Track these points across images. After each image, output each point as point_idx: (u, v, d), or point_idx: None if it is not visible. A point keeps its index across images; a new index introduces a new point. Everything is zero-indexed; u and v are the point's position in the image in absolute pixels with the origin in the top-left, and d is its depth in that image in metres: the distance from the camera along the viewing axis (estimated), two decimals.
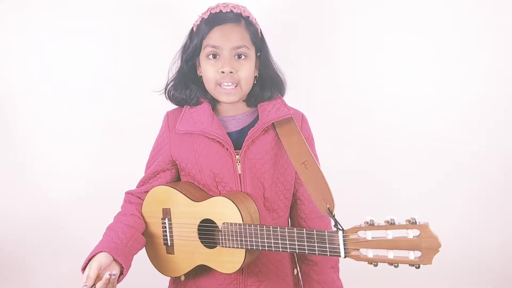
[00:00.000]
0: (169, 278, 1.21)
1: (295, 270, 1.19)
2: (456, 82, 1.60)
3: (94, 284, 0.91)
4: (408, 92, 1.62)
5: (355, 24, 1.61)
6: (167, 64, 1.17)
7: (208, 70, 1.08)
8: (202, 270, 1.10)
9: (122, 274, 1.00)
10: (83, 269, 0.96)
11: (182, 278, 1.14)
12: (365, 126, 1.63)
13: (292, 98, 1.18)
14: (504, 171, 1.62)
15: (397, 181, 1.64)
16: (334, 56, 1.63)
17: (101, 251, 0.97)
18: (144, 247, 1.12)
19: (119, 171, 1.63)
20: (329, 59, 1.62)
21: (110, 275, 0.92)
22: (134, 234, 1.06)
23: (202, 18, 1.11)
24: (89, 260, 0.97)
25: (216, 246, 1.02)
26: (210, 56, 1.08)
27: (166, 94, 1.16)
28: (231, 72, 1.06)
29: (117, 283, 0.99)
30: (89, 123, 1.69)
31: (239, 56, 1.08)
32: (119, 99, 1.68)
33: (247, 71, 1.08)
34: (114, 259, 0.98)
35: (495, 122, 1.61)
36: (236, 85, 1.08)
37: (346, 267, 1.14)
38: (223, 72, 1.06)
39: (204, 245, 1.04)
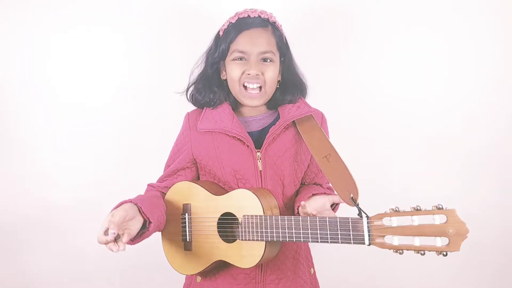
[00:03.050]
0: (183, 283, 1.19)
1: (312, 269, 1.18)
2: (470, 84, 1.61)
3: (117, 234, 0.89)
4: (423, 94, 1.63)
5: (367, 27, 1.64)
6: (180, 67, 1.20)
7: (234, 70, 1.11)
8: (219, 270, 1.09)
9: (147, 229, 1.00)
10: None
11: (198, 279, 1.12)
12: (371, 127, 1.63)
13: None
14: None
15: (404, 180, 1.62)
16: (346, 60, 1.65)
17: (129, 201, 0.99)
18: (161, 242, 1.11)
19: (125, 177, 1.64)
20: (340, 63, 1.65)
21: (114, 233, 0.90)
22: (157, 201, 1.07)
23: (230, 23, 1.14)
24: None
25: (236, 240, 1.00)
26: (237, 59, 1.11)
27: (188, 96, 1.19)
28: (257, 75, 1.09)
29: (146, 237, 0.99)
30: (95, 128, 1.68)
31: (265, 60, 1.11)
32: (125, 105, 1.68)
33: (272, 74, 1.11)
34: (140, 214, 0.98)
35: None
36: (261, 89, 1.11)
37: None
38: (249, 74, 1.09)
39: (223, 239, 1.02)
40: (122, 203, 0.99)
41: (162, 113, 1.62)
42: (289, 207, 1.11)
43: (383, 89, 1.63)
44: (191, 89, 1.19)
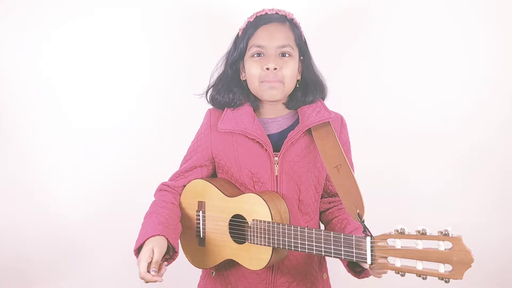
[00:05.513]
0: (201, 272, 1.24)
1: (325, 275, 1.18)
2: (468, 84, 1.60)
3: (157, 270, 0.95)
4: (424, 93, 1.62)
5: (370, 28, 1.63)
6: (203, 67, 1.20)
7: (252, 67, 1.10)
8: (231, 267, 1.12)
9: (171, 258, 1.05)
10: (136, 250, 1.00)
11: (213, 273, 1.16)
12: (373, 126, 1.63)
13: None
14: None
15: (408, 178, 1.64)
16: (349, 61, 1.64)
17: (158, 234, 1.00)
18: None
19: (135, 178, 1.68)
20: (342, 64, 1.63)
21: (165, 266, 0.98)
22: (177, 221, 1.10)
23: (248, 22, 1.14)
24: (143, 241, 1.00)
25: (245, 242, 1.03)
26: (255, 56, 1.11)
27: (208, 98, 1.20)
28: (275, 69, 1.07)
29: (168, 264, 1.03)
30: (99, 128, 1.70)
31: (283, 55, 1.10)
32: (132, 103, 1.69)
33: (291, 69, 1.10)
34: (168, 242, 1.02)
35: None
36: (280, 83, 1.09)
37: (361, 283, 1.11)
38: (267, 69, 1.08)
39: (233, 240, 1.06)
40: (150, 237, 1.00)
41: (177, 115, 1.64)
42: (305, 213, 1.11)
43: (385, 89, 1.63)
44: (210, 91, 1.19)
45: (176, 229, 1.07)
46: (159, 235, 1.01)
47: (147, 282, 0.95)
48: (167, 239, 1.01)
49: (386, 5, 1.61)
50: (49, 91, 1.69)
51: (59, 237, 1.71)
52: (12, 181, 1.71)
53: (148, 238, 1.00)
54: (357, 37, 1.62)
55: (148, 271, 0.94)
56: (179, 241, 1.07)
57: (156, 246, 0.98)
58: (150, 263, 0.95)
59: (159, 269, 0.96)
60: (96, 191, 1.71)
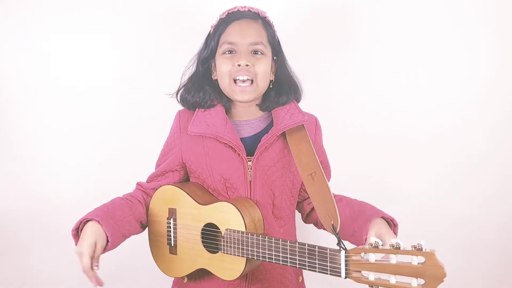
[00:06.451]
0: (173, 278, 1.21)
1: (300, 277, 1.18)
2: (460, 84, 1.60)
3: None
4: (417, 95, 1.62)
5: (360, 29, 1.61)
6: (180, 67, 1.16)
7: (223, 64, 1.07)
8: (204, 274, 1.10)
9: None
10: (74, 230, 1.00)
11: (185, 280, 1.14)
12: (364, 127, 1.64)
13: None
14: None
15: (399, 182, 1.64)
16: (335, 60, 1.63)
17: (92, 219, 0.99)
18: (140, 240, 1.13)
19: (126, 173, 1.60)
20: (334, 65, 1.62)
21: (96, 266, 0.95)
22: (128, 214, 1.07)
23: (220, 19, 1.11)
24: (80, 223, 1.00)
25: (218, 251, 1.01)
26: (227, 53, 1.07)
27: (178, 97, 1.15)
28: (247, 65, 1.04)
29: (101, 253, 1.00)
30: (95, 126, 1.69)
31: (256, 52, 1.07)
32: (126, 102, 1.67)
33: (264, 67, 1.07)
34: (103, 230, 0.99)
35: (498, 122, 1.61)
36: (252, 82, 1.06)
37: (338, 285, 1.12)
38: (239, 65, 1.04)
39: (206, 249, 1.03)
40: (86, 219, 1.00)
41: (158, 113, 1.59)
42: (279, 217, 1.10)
43: (376, 91, 1.62)
44: (181, 90, 1.15)
45: (122, 221, 1.04)
46: (93, 220, 0.99)
47: (88, 277, 0.93)
48: (103, 229, 0.99)
49: (380, 3, 1.58)
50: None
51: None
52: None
53: (85, 220, 0.99)
54: (349, 38, 1.61)
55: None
56: (121, 236, 1.04)
57: (99, 240, 0.96)
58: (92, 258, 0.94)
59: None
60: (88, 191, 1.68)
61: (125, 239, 1.07)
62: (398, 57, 1.59)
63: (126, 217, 1.06)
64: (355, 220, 1.04)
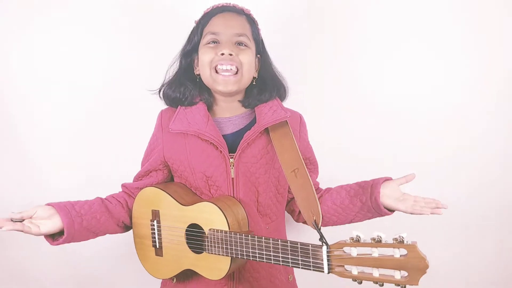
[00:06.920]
0: (161, 280, 1.20)
1: (291, 276, 1.16)
2: (459, 84, 1.58)
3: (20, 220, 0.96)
4: (414, 91, 1.59)
5: (351, 28, 1.59)
6: (166, 63, 1.15)
7: (205, 53, 1.05)
8: (192, 275, 1.09)
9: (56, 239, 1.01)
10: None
11: (174, 280, 1.13)
12: (362, 127, 1.61)
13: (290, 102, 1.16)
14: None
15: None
16: (328, 58, 1.60)
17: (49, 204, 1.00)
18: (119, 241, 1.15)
19: (119, 165, 1.62)
20: (324, 62, 1.59)
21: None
22: (101, 216, 1.06)
23: (205, 13, 1.10)
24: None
25: (203, 252, 1.00)
26: (210, 43, 1.05)
27: (160, 93, 1.13)
28: (230, 55, 1.02)
29: (50, 243, 1.01)
30: (89, 118, 1.67)
31: (240, 44, 1.06)
32: (119, 94, 1.65)
33: (248, 57, 1.05)
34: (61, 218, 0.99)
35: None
36: (237, 72, 1.04)
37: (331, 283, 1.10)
38: (222, 54, 1.02)
39: (191, 250, 1.02)
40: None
41: (153, 112, 1.60)
42: (264, 214, 1.09)
43: (374, 85, 1.59)
44: (164, 87, 1.13)
45: (88, 216, 1.04)
46: (49, 205, 1.00)
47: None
48: (60, 217, 0.98)
49: (379, 4, 1.56)
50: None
51: None
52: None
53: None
54: (348, 35, 1.58)
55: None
56: (85, 230, 1.03)
57: (42, 210, 0.98)
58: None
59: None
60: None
61: (95, 236, 1.07)
62: (392, 55, 1.57)
63: (95, 213, 1.05)
64: (357, 194, 1.05)
